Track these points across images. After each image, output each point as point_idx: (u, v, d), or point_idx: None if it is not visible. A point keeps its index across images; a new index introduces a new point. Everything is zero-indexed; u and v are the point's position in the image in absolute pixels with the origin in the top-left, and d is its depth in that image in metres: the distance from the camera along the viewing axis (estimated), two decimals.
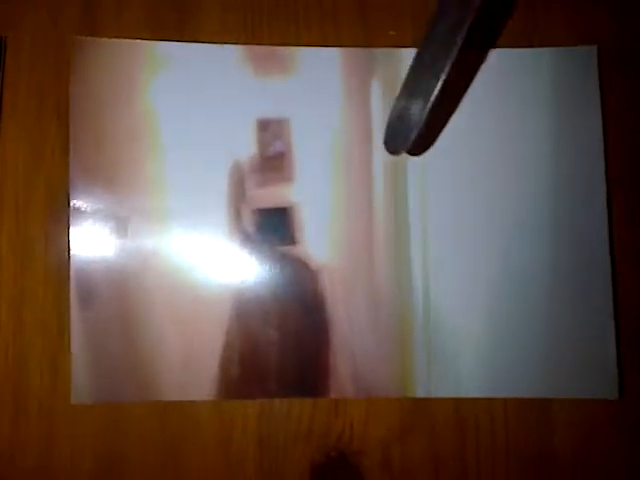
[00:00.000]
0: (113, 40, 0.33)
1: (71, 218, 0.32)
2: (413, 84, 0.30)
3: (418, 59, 0.30)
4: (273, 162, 0.33)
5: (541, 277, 0.33)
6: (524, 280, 0.33)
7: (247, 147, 0.33)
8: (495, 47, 0.33)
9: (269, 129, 0.33)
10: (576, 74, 0.33)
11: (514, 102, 0.33)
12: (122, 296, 0.32)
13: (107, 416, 0.32)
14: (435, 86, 0.29)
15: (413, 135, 0.30)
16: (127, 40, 0.33)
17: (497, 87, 0.33)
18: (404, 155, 0.32)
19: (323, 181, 0.33)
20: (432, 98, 0.29)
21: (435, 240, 0.33)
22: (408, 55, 0.33)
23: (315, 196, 0.33)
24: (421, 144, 0.33)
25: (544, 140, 0.33)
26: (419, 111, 0.29)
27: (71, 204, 0.32)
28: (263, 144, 0.33)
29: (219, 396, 0.32)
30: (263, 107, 0.33)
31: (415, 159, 0.33)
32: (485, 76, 0.33)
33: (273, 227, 0.33)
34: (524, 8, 0.34)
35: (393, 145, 0.31)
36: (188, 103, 0.33)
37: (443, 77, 0.29)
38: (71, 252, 0.32)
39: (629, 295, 0.33)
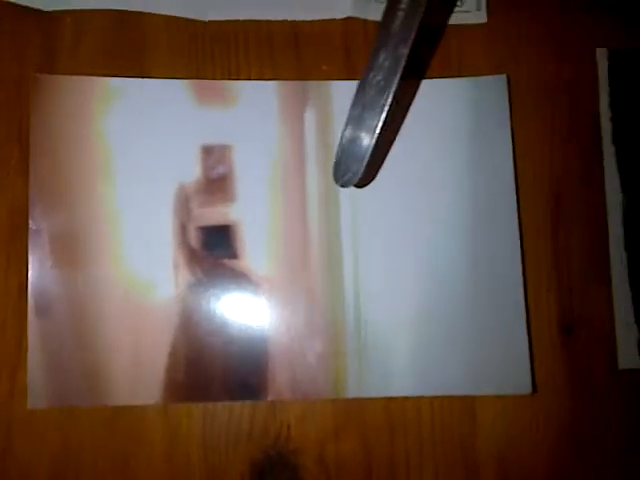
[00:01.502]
0: (70, 77, 0.36)
1: (30, 238, 0.35)
2: (357, 119, 0.32)
3: (360, 94, 0.32)
4: (216, 184, 0.36)
5: (460, 285, 0.36)
6: (445, 289, 0.36)
7: (192, 171, 0.36)
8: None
9: (213, 154, 0.36)
10: (488, 102, 0.37)
11: (433, 128, 0.37)
12: (76, 308, 0.35)
13: (62, 420, 0.34)
14: (379, 119, 0.32)
15: (362, 168, 0.32)
16: (83, 77, 0.36)
17: (417, 114, 0.37)
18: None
19: (262, 201, 0.36)
20: (377, 131, 0.32)
21: (365, 252, 0.36)
22: (338, 87, 0.37)
23: (255, 215, 0.36)
24: (367, 176, 0.36)
25: (461, 164, 0.37)
26: (366, 145, 0.32)
27: (30, 225, 0.35)
28: (207, 168, 0.36)
29: (165, 400, 0.34)
30: (207, 135, 0.36)
31: None
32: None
33: (216, 243, 0.36)
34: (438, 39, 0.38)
35: (342, 178, 0.33)
36: (138, 132, 0.36)
37: (386, 110, 0.31)
38: (30, 268, 0.34)
39: (539, 300, 0.36)
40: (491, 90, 0.37)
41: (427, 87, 0.37)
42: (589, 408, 0.35)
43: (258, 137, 0.37)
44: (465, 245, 0.36)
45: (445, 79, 0.37)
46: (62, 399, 0.34)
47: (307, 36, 0.38)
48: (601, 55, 0.37)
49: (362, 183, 0.36)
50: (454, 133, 0.37)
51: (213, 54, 0.37)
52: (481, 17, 0.38)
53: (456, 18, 0.38)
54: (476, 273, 0.36)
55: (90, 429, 0.34)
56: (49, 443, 0.34)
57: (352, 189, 0.36)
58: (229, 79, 0.37)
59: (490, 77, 0.37)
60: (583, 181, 0.37)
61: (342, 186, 0.33)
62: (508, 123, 0.37)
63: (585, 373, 0.35)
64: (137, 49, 0.37)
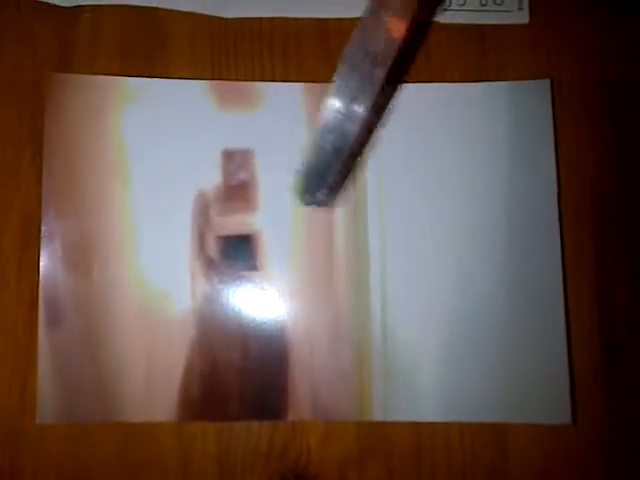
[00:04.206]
0: (87, 76, 0.34)
1: (42, 244, 0.33)
2: (336, 121, 0.29)
3: (339, 94, 0.28)
4: (237, 191, 0.34)
5: (496, 305, 0.33)
6: (480, 307, 0.33)
7: (212, 177, 0.34)
8: (449, 81, 0.35)
9: (234, 160, 0.35)
10: (530, 107, 0.35)
11: (469, 135, 0.35)
12: (89, 320, 0.33)
13: (71, 436, 0.32)
14: (359, 120, 0.28)
15: (331, 178, 0.29)
16: (100, 76, 0.34)
17: (452, 120, 0.35)
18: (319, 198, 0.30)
19: (285, 210, 0.34)
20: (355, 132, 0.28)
21: (394, 267, 0.34)
22: None
23: (277, 224, 0.34)
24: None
25: (498, 173, 0.34)
26: (345, 149, 0.29)
27: (42, 230, 0.33)
28: (228, 174, 0.34)
29: (180, 418, 0.33)
30: (228, 139, 0.35)
31: (374, 188, 0.34)
32: (440, 110, 0.35)
33: (236, 253, 0.34)
34: (476, 43, 0.35)
35: (313, 192, 0.30)
36: (156, 135, 0.34)
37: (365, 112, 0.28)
38: (41, 277, 0.33)
39: (581, 323, 0.33)
40: (533, 96, 0.35)
41: (460, 91, 0.35)
42: (633, 443, 0.33)
43: (282, 142, 0.35)
44: (501, 259, 0.34)
45: (481, 83, 0.35)
46: (72, 414, 0.32)
47: (336, 35, 0.35)
48: None
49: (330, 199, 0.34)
50: (491, 141, 0.34)
51: (236, 53, 0.35)
52: (522, 17, 0.36)
53: (495, 18, 0.36)
54: (512, 289, 0.33)
55: (100, 446, 0.32)
56: (58, 460, 0.32)
57: (381, 203, 0.34)
58: (252, 80, 0.35)
59: (532, 82, 0.35)
60: (630, 190, 0.34)
61: (310, 204, 0.31)
62: (551, 131, 0.34)
63: (631, 400, 0.33)
64: (156, 48, 0.35)
